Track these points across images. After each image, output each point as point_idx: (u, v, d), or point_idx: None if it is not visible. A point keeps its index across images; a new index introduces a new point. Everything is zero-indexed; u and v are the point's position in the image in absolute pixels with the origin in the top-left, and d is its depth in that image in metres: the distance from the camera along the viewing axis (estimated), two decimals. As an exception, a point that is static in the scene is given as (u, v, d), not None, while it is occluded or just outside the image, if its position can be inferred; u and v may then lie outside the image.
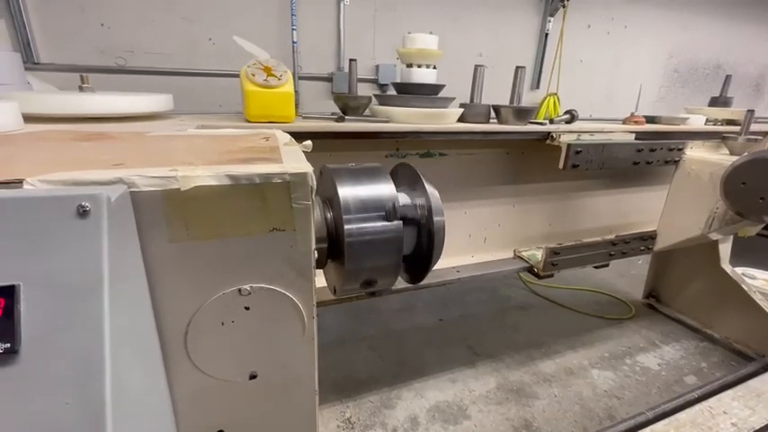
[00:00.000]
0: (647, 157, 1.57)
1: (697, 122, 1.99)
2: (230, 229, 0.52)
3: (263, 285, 0.56)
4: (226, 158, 0.59)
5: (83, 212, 0.36)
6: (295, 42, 2.51)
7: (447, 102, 1.42)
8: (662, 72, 3.88)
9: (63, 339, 0.35)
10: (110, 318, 0.36)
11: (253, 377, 0.61)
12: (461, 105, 1.48)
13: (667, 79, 3.93)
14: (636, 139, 1.63)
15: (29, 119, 0.90)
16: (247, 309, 0.57)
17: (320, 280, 0.80)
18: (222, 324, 0.56)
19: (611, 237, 1.76)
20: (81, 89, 1.12)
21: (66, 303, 0.35)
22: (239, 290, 0.55)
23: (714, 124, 2.08)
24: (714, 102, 2.17)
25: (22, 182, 0.41)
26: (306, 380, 0.66)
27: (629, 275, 2.87)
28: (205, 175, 0.48)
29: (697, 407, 1.52)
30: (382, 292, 0.81)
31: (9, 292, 0.34)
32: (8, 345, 0.34)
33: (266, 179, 0.52)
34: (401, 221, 0.74)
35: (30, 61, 2.03)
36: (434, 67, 1.45)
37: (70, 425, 0.34)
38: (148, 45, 2.28)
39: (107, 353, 0.35)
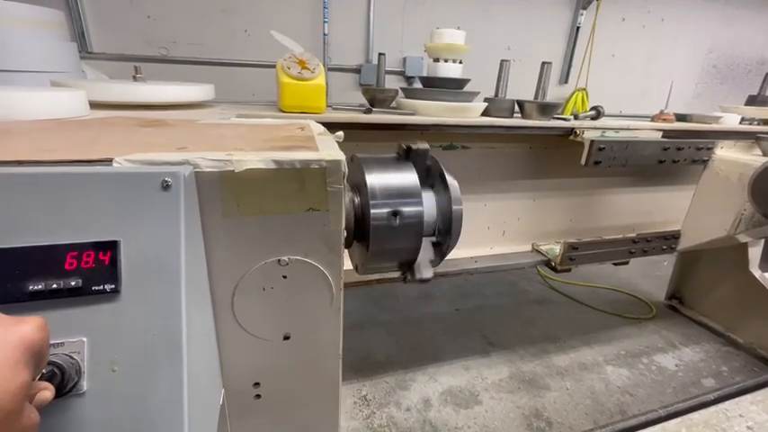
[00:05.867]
0: (674, 155, 1.56)
1: (731, 121, 1.93)
2: (273, 207, 0.60)
3: (299, 258, 0.64)
4: (270, 145, 0.67)
5: (166, 186, 0.45)
6: (326, 35, 2.58)
7: (471, 96, 1.46)
8: (699, 68, 3.73)
9: (151, 285, 0.44)
10: (185, 273, 0.45)
11: (286, 338, 0.69)
12: (486, 100, 1.52)
13: (705, 75, 3.77)
14: (663, 137, 1.61)
15: (91, 105, 1.02)
16: (285, 277, 0.65)
17: (346, 263, 0.87)
18: (263, 289, 0.64)
19: (633, 235, 1.76)
20: (135, 79, 1.24)
21: (153, 257, 0.45)
22: (279, 260, 0.64)
23: (750, 124, 2.02)
24: (752, 100, 2.10)
25: (111, 160, 0.50)
26: (332, 345, 0.74)
27: (653, 276, 2.83)
28: (255, 160, 0.56)
29: (712, 408, 1.51)
30: (405, 277, 0.88)
31: (113, 246, 0.44)
32: (113, 286, 0.44)
33: (305, 165, 0.59)
34: (422, 208, 0.80)
35: (84, 50, 2.20)
36: (461, 62, 1.48)
37: (157, 349, 0.44)
38: (189, 36, 2.41)
39: (183, 299, 0.44)
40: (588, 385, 1.83)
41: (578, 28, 3.16)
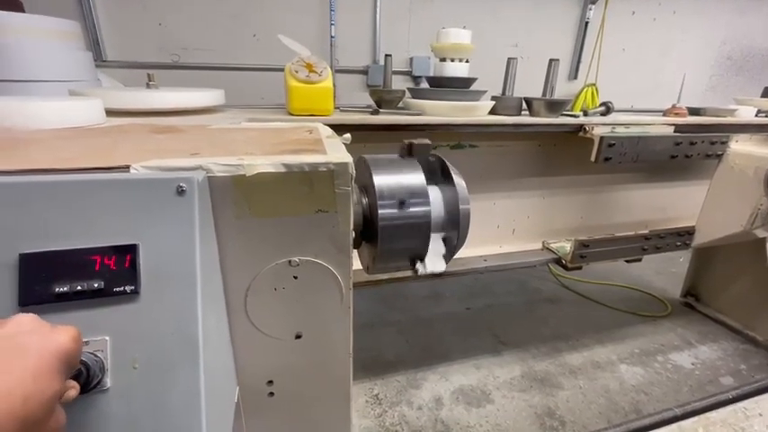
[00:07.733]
0: (687, 150, 1.54)
1: (747, 114, 1.89)
2: (284, 209, 0.62)
3: (310, 258, 0.66)
4: (279, 149, 0.68)
5: (181, 191, 0.47)
6: (333, 37, 2.60)
7: (478, 95, 1.46)
8: (713, 60, 3.64)
9: (168, 286, 0.47)
10: (200, 274, 0.47)
11: (298, 337, 0.71)
12: (493, 98, 1.51)
13: (719, 67, 3.68)
14: (676, 131, 1.59)
15: (107, 112, 1.05)
16: (296, 278, 0.66)
17: (355, 263, 0.89)
18: (275, 290, 0.66)
19: (645, 231, 1.73)
20: (148, 86, 1.27)
21: (170, 260, 0.47)
22: (289, 261, 0.65)
23: (766, 116, 1.98)
24: (768, 92, 2.06)
25: (128, 167, 0.52)
26: (342, 343, 0.75)
27: (668, 273, 2.78)
28: (265, 164, 0.58)
29: (730, 407, 1.48)
30: (416, 270, 0.89)
31: (132, 249, 0.46)
32: (133, 287, 0.46)
33: (314, 167, 0.61)
34: (429, 208, 0.81)
35: (99, 59, 2.25)
36: (467, 61, 1.49)
37: (175, 348, 0.46)
38: (199, 42, 2.45)
39: (198, 299, 0.46)
40: (602, 384, 1.82)
41: (587, 23, 3.12)
